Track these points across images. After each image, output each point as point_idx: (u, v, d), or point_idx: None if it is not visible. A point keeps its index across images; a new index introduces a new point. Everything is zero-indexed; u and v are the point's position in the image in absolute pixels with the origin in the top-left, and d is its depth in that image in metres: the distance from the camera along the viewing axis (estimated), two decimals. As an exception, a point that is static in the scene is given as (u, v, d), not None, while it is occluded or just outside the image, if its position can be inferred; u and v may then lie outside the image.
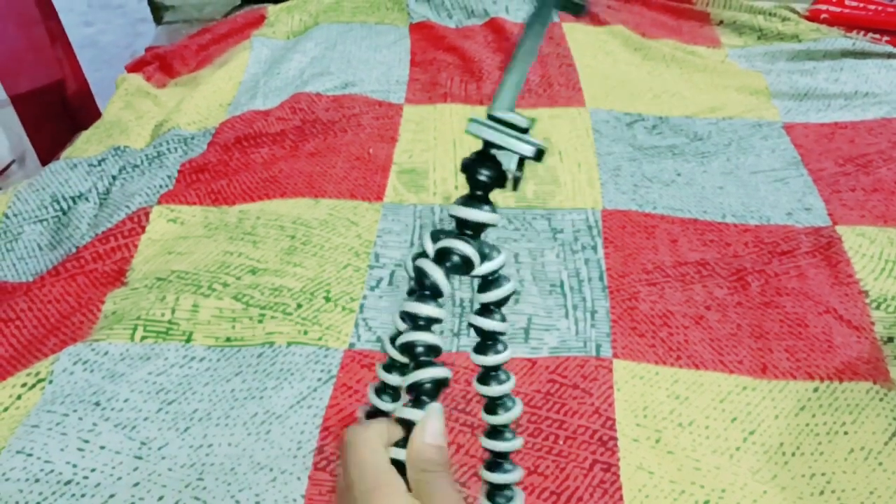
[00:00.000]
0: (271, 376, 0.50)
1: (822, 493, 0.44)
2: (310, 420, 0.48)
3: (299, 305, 0.55)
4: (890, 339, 0.54)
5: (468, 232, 0.36)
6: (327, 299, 0.56)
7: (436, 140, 0.76)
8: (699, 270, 0.60)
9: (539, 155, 0.33)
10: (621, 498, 0.44)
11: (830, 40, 0.93)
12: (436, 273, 0.36)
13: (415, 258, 0.36)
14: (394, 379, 0.39)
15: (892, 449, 0.46)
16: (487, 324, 0.36)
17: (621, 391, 0.50)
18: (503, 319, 0.37)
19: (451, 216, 0.36)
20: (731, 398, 0.50)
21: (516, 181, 0.35)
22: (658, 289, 0.58)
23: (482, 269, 0.36)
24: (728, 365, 0.52)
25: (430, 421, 0.34)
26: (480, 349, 0.36)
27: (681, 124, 0.79)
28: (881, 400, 0.49)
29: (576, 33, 0.98)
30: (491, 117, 0.35)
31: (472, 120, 0.35)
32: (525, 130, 0.36)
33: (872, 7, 1.00)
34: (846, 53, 0.91)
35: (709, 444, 0.47)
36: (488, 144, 0.36)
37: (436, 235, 0.36)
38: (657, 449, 0.47)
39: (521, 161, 0.35)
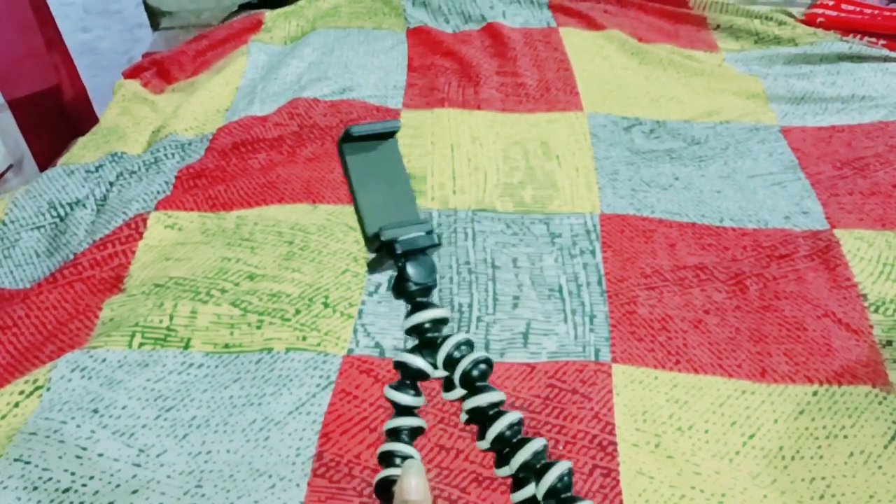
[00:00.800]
0: (270, 382, 0.50)
1: (822, 497, 0.44)
2: (308, 426, 0.48)
3: (298, 311, 0.55)
4: (889, 343, 0.54)
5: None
6: (326, 305, 0.56)
7: (433, 145, 0.76)
8: (697, 274, 0.60)
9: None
10: (621, 503, 0.44)
11: (827, 44, 0.94)
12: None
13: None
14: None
15: (891, 453, 0.46)
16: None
17: (620, 396, 0.50)
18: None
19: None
20: (731, 402, 0.50)
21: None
22: (657, 293, 0.58)
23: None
24: (727, 369, 0.52)
25: (408, 478, 0.38)
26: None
27: (678, 128, 0.80)
28: (880, 403, 0.49)
29: (573, 38, 0.98)
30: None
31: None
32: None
33: (868, 11, 1.00)
34: (843, 57, 0.92)
35: (708, 448, 0.47)
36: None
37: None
38: (657, 453, 0.46)
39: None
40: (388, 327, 0.55)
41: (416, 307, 0.45)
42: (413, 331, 0.45)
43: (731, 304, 0.57)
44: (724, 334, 0.55)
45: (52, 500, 0.43)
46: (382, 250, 0.44)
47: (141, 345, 0.53)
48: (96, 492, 0.43)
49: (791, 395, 0.50)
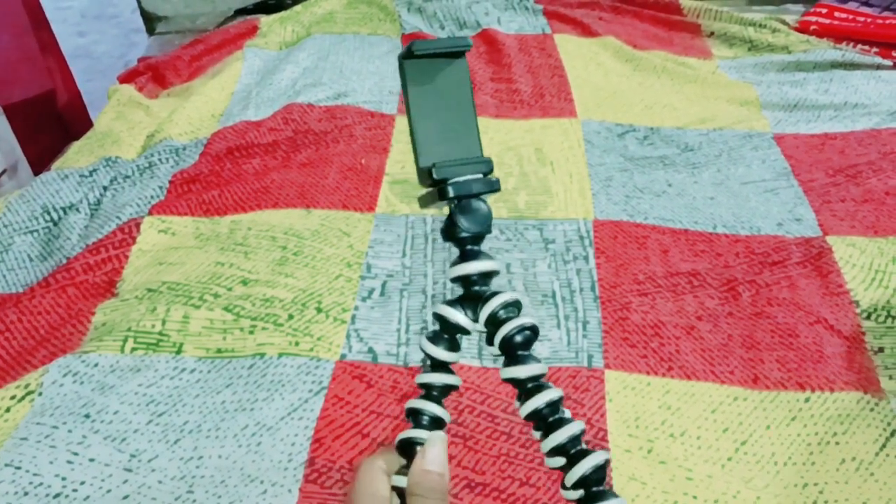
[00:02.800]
0: (262, 388, 0.50)
1: (814, 503, 0.44)
2: (301, 432, 0.48)
3: (291, 316, 0.55)
4: (880, 349, 0.54)
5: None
6: (319, 310, 0.56)
7: (428, 151, 0.76)
8: (690, 281, 0.60)
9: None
10: (613, 509, 0.43)
11: (820, 52, 0.94)
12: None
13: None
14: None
15: (882, 459, 0.46)
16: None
17: (613, 402, 0.50)
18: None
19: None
20: (723, 408, 0.50)
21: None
22: (649, 299, 0.58)
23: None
24: (719, 375, 0.52)
25: (432, 448, 0.36)
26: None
27: (672, 135, 0.80)
28: (871, 410, 0.49)
29: (567, 45, 0.99)
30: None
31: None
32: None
33: (861, 19, 1.01)
34: (836, 65, 0.92)
35: (700, 454, 0.47)
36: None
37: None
38: (649, 459, 0.46)
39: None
40: (380, 333, 0.55)
41: (464, 255, 0.41)
42: (458, 280, 0.41)
43: (724, 311, 0.57)
44: (716, 341, 0.55)
45: (42, 506, 0.43)
46: (433, 189, 0.40)
47: (133, 350, 0.53)
48: (87, 497, 0.43)
49: (783, 402, 0.50)
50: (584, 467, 0.35)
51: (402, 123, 0.81)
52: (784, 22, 1.03)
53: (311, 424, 0.48)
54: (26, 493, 0.43)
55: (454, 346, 0.41)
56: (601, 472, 0.36)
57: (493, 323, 0.39)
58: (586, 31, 1.03)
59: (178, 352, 0.53)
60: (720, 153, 0.76)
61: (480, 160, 0.40)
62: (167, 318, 0.54)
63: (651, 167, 0.74)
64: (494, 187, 0.40)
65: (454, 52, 0.40)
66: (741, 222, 0.66)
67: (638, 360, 0.53)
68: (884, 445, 0.47)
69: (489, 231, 0.41)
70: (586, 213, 0.67)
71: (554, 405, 0.38)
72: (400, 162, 0.74)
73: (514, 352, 0.39)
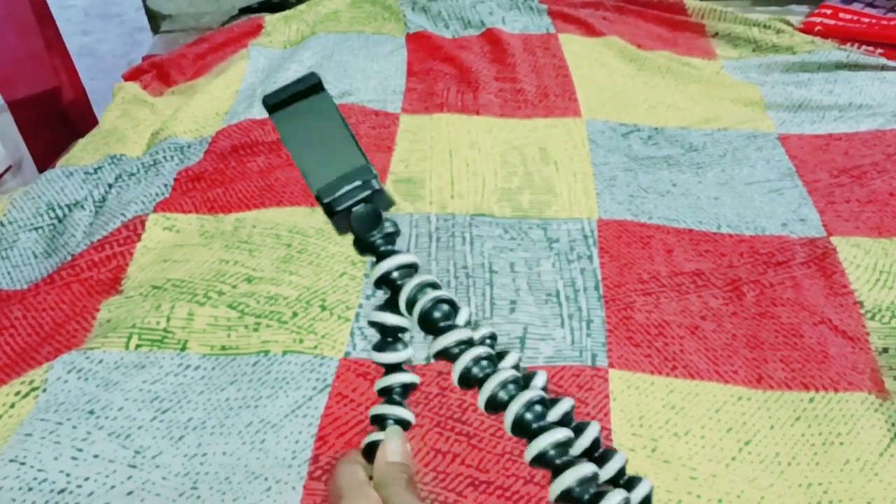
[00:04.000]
0: (266, 385, 0.50)
1: (819, 502, 0.44)
2: (305, 429, 0.48)
3: (295, 314, 0.55)
4: (885, 350, 0.54)
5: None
6: (323, 308, 0.56)
7: (432, 149, 0.76)
8: (694, 280, 0.60)
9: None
10: (617, 508, 0.43)
11: (825, 52, 0.94)
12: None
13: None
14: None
15: (887, 460, 0.46)
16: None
17: (617, 401, 0.50)
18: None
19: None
20: (727, 408, 0.50)
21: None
22: (653, 298, 0.58)
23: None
24: (723, 375, 0.52)
25: (390, 442, 0.39)
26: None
27: (676, 135, 0.80)
28: (876, 410, 0.49)
29: (571, 45, 0.99)
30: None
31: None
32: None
33: (866, 20, 1.01)
34: (840, 66, 0.92)
35: (704, 453, 0.47)
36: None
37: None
38: (653, 458, 0.46)
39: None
40: (385, 331, 0.55)
41: (378, 257, 0.40)
42: (380, 284, 0.41)
43: (728, 311, 0.57)
44: (720, 340, 0.55)
45: (47, 501, 0.43)
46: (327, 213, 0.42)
47: (138, 346, 0.53)
48: (91, 493, 0.43)
49: (787, 402, 0.50)
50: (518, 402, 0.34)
51: (406, 122, 0.81)
52: (788, 23, 1.03)
53: (316, 422, 0.48)
54: (30, 489, 0.43)
55: (400, 346, 0.42)
56: (534, 411, 0.34)
57: (411, 308, 0.38)
58: (591, 30, 1.03)
59: (183, 349, 0.53)
60: (724, 153, 0.76)
61: (358, 170, 0.40)
62: (172, 315, 0.55)
63: (655, 167, 0.74)
64: (373, 188, 0.40)
65: (309, 89, 0.42)
66: (745, 222, 0.66)
67: (642, 359, 0.53)
68: (888, 446, 0.47)
69: (396, 230, 0.41)
70: (590, 213, 0.67)
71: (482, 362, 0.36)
72: (404, 161, 0.74)
73: (434, 327, 0.38)
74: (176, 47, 1.06)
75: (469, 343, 0.37)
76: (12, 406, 0.49)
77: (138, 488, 0.44)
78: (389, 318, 0.40)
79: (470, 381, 0.36)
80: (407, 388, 0.42)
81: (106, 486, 0.44)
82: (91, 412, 0.48)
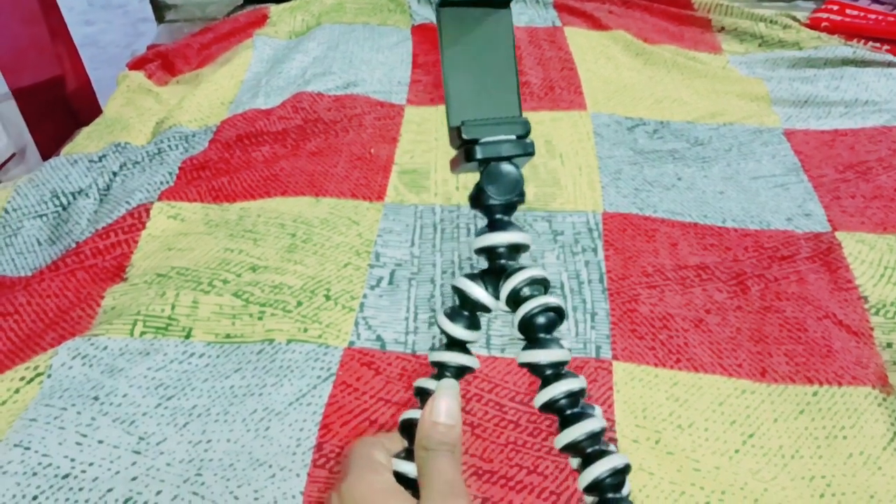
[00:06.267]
0: (271, 373, 0.50)
1: (822, 495, 0.44)
2: (309, 417, 0.48)
3: (299, 303, 0.55)
4: (889, 345, 0.54)
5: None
6: (327, 297, 0.56)
7: (437, 141, 0.76)
8: (699, 274, 0.60)
9: None
10: (621, 498, 0.43)
11: (831, 48, 0.94)
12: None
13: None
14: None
15: (890, 454, 0.46)
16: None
17: (621, 392, 0.50)
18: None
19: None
20: (731, 401, 0.50)
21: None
22: (658, 291, 0.58)
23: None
24: (727, 368, 0.52)
25: (440, 398, 0.34)
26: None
27: (682, 129, 0.80)
28: (880, 405, 0.49)
29: (577, 38, 0.98)
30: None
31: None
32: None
33: (873, 16, 1.01)
34: (847, 62, 0.92)
35: (708, 445, 0.47)
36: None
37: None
38: (657, 450, 0.47)
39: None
40: (389, 321, 0.55)
41: (491, 225, 0.37)
42: (482, 252, 0.38)
43: (733, 304, 0.57)
44: (724, 334, 0.55)
45: (51, 486, 0.43)
46: (461, 149, 0.36)
47: (142, 333, 0.53)
48: (95, 478, 0.43)
49: (791, 396, 0.50)
50: (598, 470, 0.32)
51: (411, 114, 0.81)
52: (795, 18, 1.03)
53: (320, 410, 0.48)
54: (35, 474, 0.43)
55: (474, 324, 0.38)
56: (619, 476, 0.33)
57: (515, 301, 0.36)
58: (596, 24, 1.02)
59: (188, 336, 0.53)
60: (730, 148, 0.76)
61: (516, 120, 0.36)
62: (176, 303, 0.55)
63: (661, 161, 0.74)
64: (528, 150, 0.36)
65: (497, 1, 0.36)
66: (751, 217, 0.66)
67: (646, 351, 0.53)
68: (892, 440, 0.47)
69: (522, 199, 0.38)
70: (595, 206, 0.67)
71: (573, 397, 0.34)
72: (409, 152, 0.74)
73: (534, 334, 0.36)
74: (181, 37, 1.06)
75: (562, 364, 0.35)
76: (17, 391, 0.49)
77: (142, 474, 0.44)
78: (480, 294, 0.37)
79: (553, 409, 0.36)
80: (463, 371, 0.39)
81: (110, 472, 0.44)
82: (96, 398, 0.48)
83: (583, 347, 0.53)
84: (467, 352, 0.39)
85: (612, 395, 0.50)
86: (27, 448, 0.44)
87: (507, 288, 0.36)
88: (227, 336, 0.53)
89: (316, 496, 0.43)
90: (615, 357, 0.53)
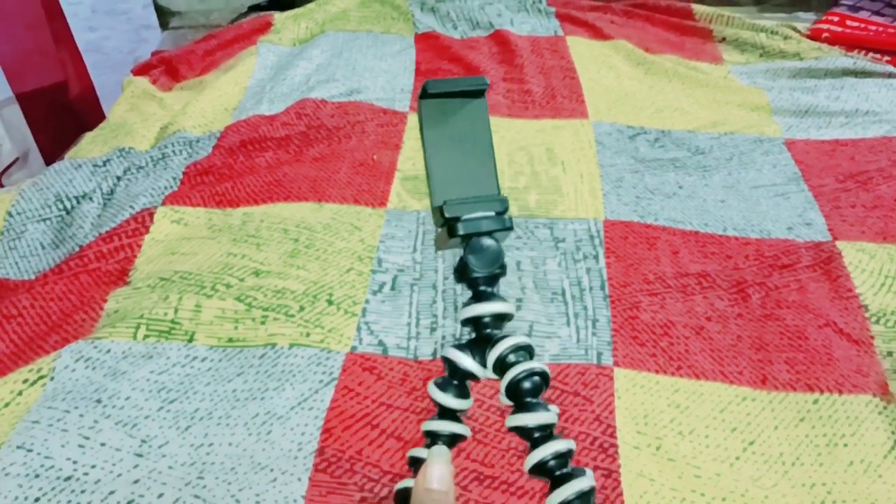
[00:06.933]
0: (273, 377, 0.50)
1: (822, 503, 0.44)
2: (311, 422, 0.48)
3: (302, 308, 0.55)
4: (889, 353, 0.54)
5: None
6: (330, 302, 0.56)
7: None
8: (700, 282, 0.60)
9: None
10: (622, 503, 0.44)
11: (832, 59, 0.94)
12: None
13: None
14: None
15: (891, 462, 0.46)
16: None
17: (622, 399, 0.50)
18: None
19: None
20: (731, 408, 0.50)
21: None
22: (659, 299, 0.58)
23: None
24: (728, 375, 0.52)
25: (433, 466, 0.35)
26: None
27: (683, 138, 0.80)
28: (880, 413, 0.49)
29: (579, 47, 0.99)
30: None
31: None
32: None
33: (873, 28, 1.01)
34: (847, 72, 0.92)
35: (709, 452, 0.47)
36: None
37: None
38: (658, 456, 0.47)
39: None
40: (391, 326, 0.55)
41: (476, 297, 0.40)
42: (468, 323, 0.40)
43: (733, 312, 0.57)
44: (725, 341, 0.55)
45: (53, 488, 0.43)
46: (445, 227, 0.39)
47: (145, 337, 0.53)
48: (98, 480, 0.44)
49: (792, 403, 0.50)
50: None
51: (413, 121, 0.81)
52: (796, 29, 1.03)
53: (322, 415, 0.48)
54: (37, 476, 0.43)
55: (463, 394, 0.40)
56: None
57: (502, 368, 0.38)
58: (598, 34, 1.03)
59: (190, 340, 0.53)
60: (731, 157, 0.77)
61: (494, 198, 0.39)
62: (179, 307, 0.55)
63: (662, 169, 0.75)
64: (507, 225, 0.39)
65: (471, 92, 0.39)
66: (751, 225, 0.66)
67: (647, 358, 0.53)
68: (892, 448, 0.47)
69: (503, 272, 0.40)
70: (597, 213, 0.67)
71: (562, 458, 0.36)
72: (411, 159, 0.75)
73: (520, 398, 0.38)
74: (184, 44, 1.06)
75: (550, 427, 0.37)
76: (20, 394, 0.49)
77: (144, 477, 0.44)
78: (467, 362, 0.39)
79: (542, 471, 0.38)
80: (456, 439, 0.41)
81: (112, 475, 0.44)
82: (98, 401, 0.48)
83: (584, 354, 0.53)
84: (458, 420, 0.41)
85: (614, 401, 0.50)
86: (30, 450, 0.44)
87: (493, 355, 0.38)
88: (230, 340, 0.53)
89: (317, 500, 0.43)
90: (616, 364, 0.53)
